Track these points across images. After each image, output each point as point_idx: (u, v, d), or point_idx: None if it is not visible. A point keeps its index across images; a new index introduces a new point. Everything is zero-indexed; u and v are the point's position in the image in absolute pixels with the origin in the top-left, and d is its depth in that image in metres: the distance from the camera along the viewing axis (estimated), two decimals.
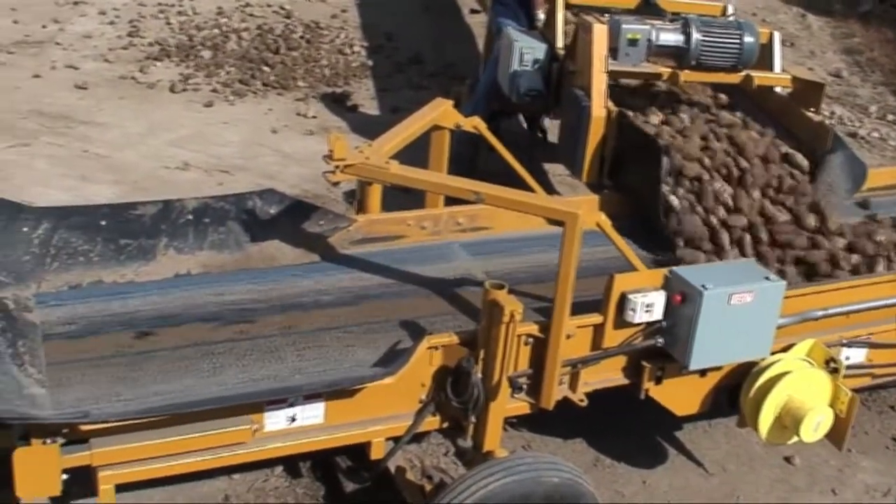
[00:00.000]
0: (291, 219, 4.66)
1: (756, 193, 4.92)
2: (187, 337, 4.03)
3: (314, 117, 8.36)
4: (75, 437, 3.42)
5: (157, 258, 4.43)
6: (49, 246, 4.28)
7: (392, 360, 3.89)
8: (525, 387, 4.00)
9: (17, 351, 3.76)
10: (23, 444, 3.36)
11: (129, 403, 3.59)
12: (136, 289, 4.31)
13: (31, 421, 3.33)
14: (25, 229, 4.28)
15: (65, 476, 3.45)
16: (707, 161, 5.01)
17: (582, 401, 4.12)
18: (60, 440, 3.39)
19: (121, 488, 3.61)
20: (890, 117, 9.82)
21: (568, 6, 6.28)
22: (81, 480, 3.59)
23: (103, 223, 4.38)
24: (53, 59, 9.19)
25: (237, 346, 3.99)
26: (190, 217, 4.50)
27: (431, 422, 3.99)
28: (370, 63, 9.79)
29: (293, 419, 3.70)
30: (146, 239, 4.43)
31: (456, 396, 3.86)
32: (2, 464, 3.50)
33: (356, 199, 4.97)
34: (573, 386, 4.12)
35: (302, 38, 10.22)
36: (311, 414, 3.73)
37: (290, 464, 4.50)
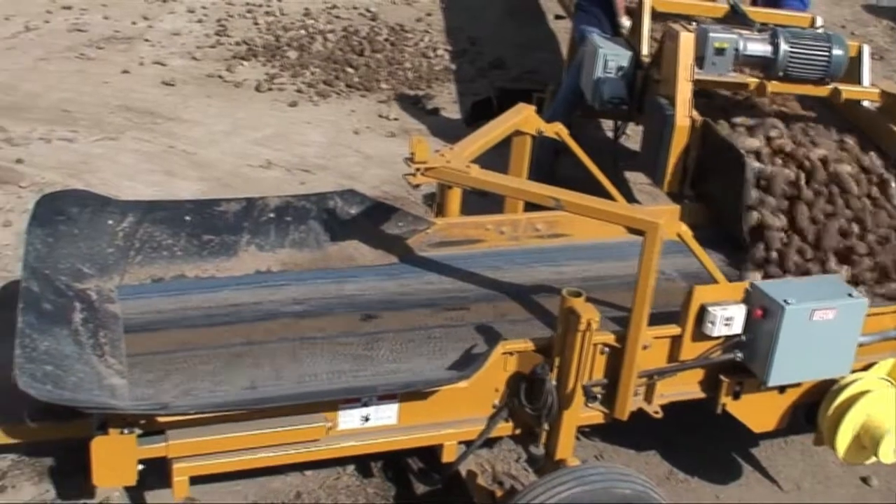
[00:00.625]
0: (371, 220, 4.69)
1: (847, 212, 4.82)
2: (268, 333, 4.07)
3: (396, 119, 8.40)
4: (152, 429, 3.48)
5: (238, 254, 4.50)
6: (133, 239, 4.37)
7: (467, 363, 3.90)
8: (599, 396, 3.98)
9: (99, 342, 3.84)
10: (101, 434, 3.43)
11: (206, 397, 3.64)
12: (218, 284, 4.38)
13: (110, 411, 3.40)
14: (111, 222, 4.37)
15: (140, 466, 3.52)
16: (794, 175, 4.92)
17: (657, 413, 4.08)
18: (137, 431, 3.45)
19: (195, 481, 3.66)
20: None
21: (654, 14, 6.23)
22: (156, 471, 3.66)
23: (187, 218, 4.46)
24: (142, 55, 9.38)
25: (314, 343, 4.03)
26: (272, 215, 4.56)
27: (504, 427, 3.98)
28: (453, 67, 9.81)
29: (367, 419, 3.72)
30: (228, 235, 4.50)
31: (529, 403, 3.85)
32: (79, 452, 3.58)
33: (435, 201, 5.00)
34: (648, 397, 4.08)
35: (386, 40, 10.29)
36: (385, 414, 3.75)
37: (362, 463, 4.52)
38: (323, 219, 4.63)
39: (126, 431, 3.43)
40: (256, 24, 10.51)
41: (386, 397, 3.72)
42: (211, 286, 4.36)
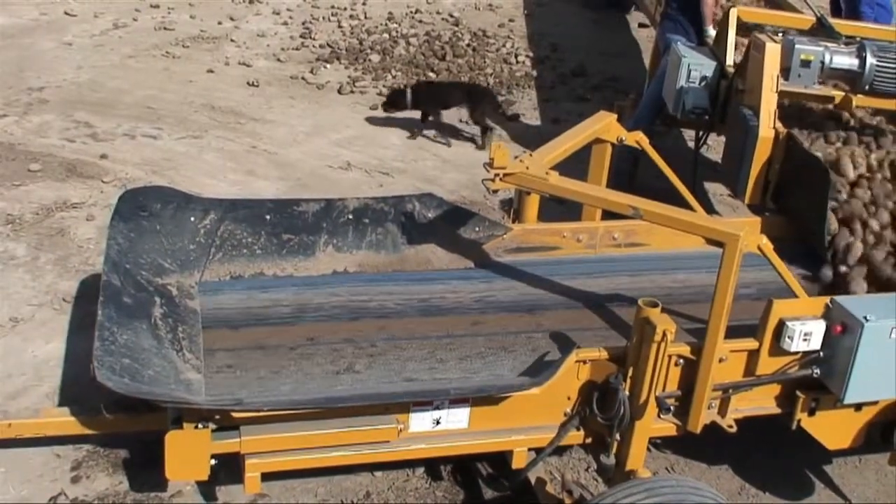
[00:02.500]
0: (448, 224, 4.71)
1: None
2: (342, 334, 4.12)
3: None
4: (226, 424, 3.53)
5: (316, 255, 4.55)
6: (214, 236, 4.44)
7: (540, 370, 3.89)
8: (673, 408, 3.93)
9: (177, 336, 3.92)
10: (175, 428, 3.49)
11: (280, 394, 3.69)
12: (296, 283, 4.44)
13: (186, 405, 3.45)
14: (193, 219, 4.45)
15: (213, 461, 3.56)
16: (880, 192, 4.83)
17: (731, 427, 4.03)
18: (212, 426, 3.50)
19: (265, 477, 3.70)
20: None
21: (741, 24, 6.16)
22: (229, 467, 3.71)
23: (267, 217, 4.52)
24: (227, 55, 9.55)
25: (388, 345, 4.06)
26: (350, 216, 4.61)
27: (575, 436, 3.97)
28: (534, 73, 9.80)
29: (438, 422, 3.74)
30: (307, 235, 4.55)
31: (602, 412, 3.83)
32: (154, 445, 3.64)
33: (513, 207, 5.00)
34: (722, 411, 4.04)
35: (468, 45, 10.32)
36: (456, 418, 3.76)
37: (432, 466, 4.54)
38: (400, 221, 4.66)
39: (200, 426, 3.48)
40: (340, 27, 10.63)
41: (458, 401, 3.73)
42: (289, 285, 4.42)
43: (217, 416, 3.50)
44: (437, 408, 3.71)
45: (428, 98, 8.12)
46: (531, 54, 10.31)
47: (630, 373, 3.81)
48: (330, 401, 3.62)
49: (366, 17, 10.97)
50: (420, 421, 3.72)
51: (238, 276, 4.43)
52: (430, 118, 8.13)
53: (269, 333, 4.07)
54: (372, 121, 8.33)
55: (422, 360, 3.98)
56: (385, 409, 3.64)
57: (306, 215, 4.57)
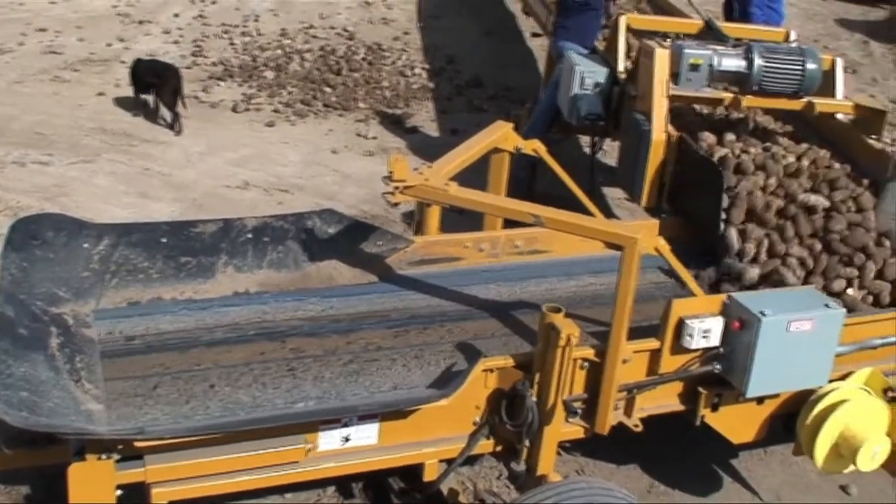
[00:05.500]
0: (350, 239, 4.68)
1: (819, 222, 4.85)
2: (244, 355, 4.05)
3: (374, 138, 8.42)
4: (130, 453, 3.44)
5: (216, 276, 4.47)
6: (109, 262, 4.34)
7: (447, 381, 3.88)
8: (580, 411, 3.97)
9: (75, 367, 3.81)
10: (78, 460, 3.39)
11: (184, 420, 3.61)
12: (195, 306, 4.35)
13: (88, 436, 3.36)
14: (86, 245, 4.34)
15: (119, 492, 3.47)
16: (769, 189, 4.95)
17: (637, 426, 4.08)
18: (115, 456, 3.41)
19: None
20: None
21: (630, 30, 6.26)
22: (135, 497, 3.62)
23: (163, 240, 4.43)
24: (118, 77, 9.36)
25: (293, 365, 4.01)
26: (249, 236, 4.54)
27: (485, 445, 3.97)
28: (431, 85, 9.84)
29: (347, 439, 3.71)
30: (206, 257, 4.47)
31: (511, 419, 3.84)
32: (56, 479, 3.54)
33: (415, 220, 4.99)
34: (628, 411, 4.08)
35: (364, 59, 10.31)
36: (365, 434, 3.73)
37: (343, 484, 4.50)
38: (301, 239, 4.61)
39: (104, 457, 3.39)
40: (233, 44, 10.52)
41: (366, 417, 3.70)
42: (189, 308, 4.33)
43: (120, 446, 3.41)
44: (346, 425, 3.68)
45: (137, 76, 8.44)
46: (427, 66, 10.34)
47: (537, 379, 3.83)
48: (235, 424, 3.56)
49: (258, 34, 10.88)
50: (329, 439, 3.68)
51: (135, 302, 4.33)
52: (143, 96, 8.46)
53: (170, 359, 3.99)
54: (268, 138, 8.26)
55: (328, 378, 3.94)
56: (293, 430, 3.59)
57: (203, 237, 4.49)
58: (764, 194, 4.94)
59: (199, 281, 4.45)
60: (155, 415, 3.64)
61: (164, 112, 8.33)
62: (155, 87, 8.32)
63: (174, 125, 8.21)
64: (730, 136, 5.38)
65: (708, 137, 5.36)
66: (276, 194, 7.26)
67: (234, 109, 8.85)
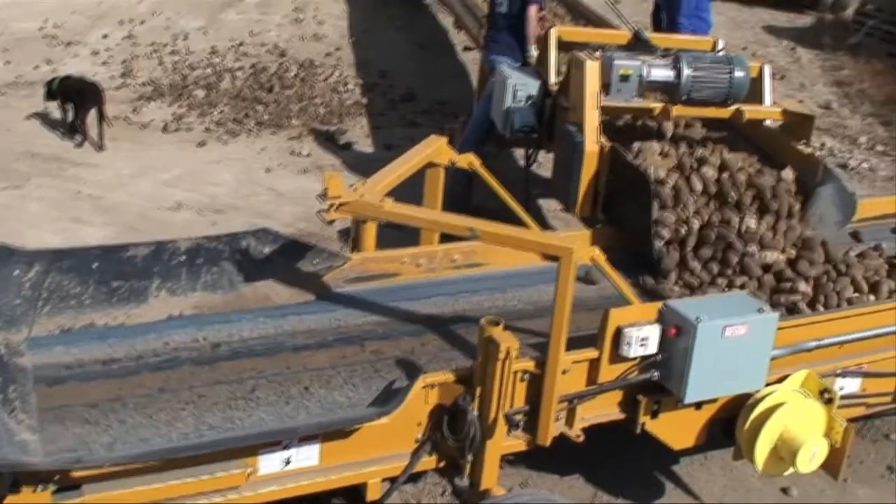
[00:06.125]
0: (285, 258, 4.64)
1: (751, 222, 4.93)
2: (180, 380, 3.99)
3: (308, 155, 8.38)
4: (67, 484, 3.37)
5: (149, 300, 4.40)
6: (41, 289, 4.25)
7: (388, 399, 3.86)
8: (522, 424, 3.98)
9: (8, 396, 3.73)
10: (13, 493, 3.31)
11: (122, 448, 3.55)
12: (128, 332, 4.28)
13: (22, 468, 3.29)
14: (17, 272, 4.25)
15: None
16: (700, 194, 5.02)
17: (579, 436, 4.09)
18: (52, 487, 3.34)
19: None
20: (879, 148, 9.85)
21: (561, 43, 6.31)
22: None
23: (95, 265, 4.35)
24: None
25: (230, 388, 3.95)
26: (183, 258, 4.48)
27: (428, 461, 3.96)
28: (364, 101, 9.82)
29: (288, 462, 3.67)
30: (138, 281, 4.40)
31: (453, 435, 3.83)
32: None
33: (351, 237, 4.97)
34: (570, 422, 4.10)
35: (296, 76, 10.27)
36: (306, 456, 3.70)
37: None
38: (236, 259, 4.56)
39: (40, 488, 3.32)
40: (162, 63, 10.41)
41: (307, 438, 3.67)
42: (122, 334, 4.26)
43: (57, 477, 3.35)
44: (286, 447, 3.65)
45: (57, 94, 8.36)
46: (361, 82, 10.33)
47: (478, 393, 3.83)
48: (173, 451, 3.50)
49: (188, 53, 10.78)
50: (269, 462, 3.64)
51: (68, 328, 4.25)
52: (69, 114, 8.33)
53: (105, 386, 3.91)
54: (201, 158, 8.18)
55: (269, 401, 3.89)
56: (232, 454, 3.54)
57: (136, 260, 4.42)
58: (693, 202, 5.01)
59: (132, 305, 4.38)
60: (91, 443, 3.57)
61: (89, 129, 8.19)
62: (75, 104, 8.18)
63: (87, 142, 8.11)
64: (660, 145, 5.43)
65: (640, 146, 5.40)
66: (210, 215, 7.19)
67: (164, 129, 8.75)
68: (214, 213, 7.20)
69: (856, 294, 4.87)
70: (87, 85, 8.36)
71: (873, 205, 5.92)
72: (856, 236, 5.59)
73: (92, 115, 8.21)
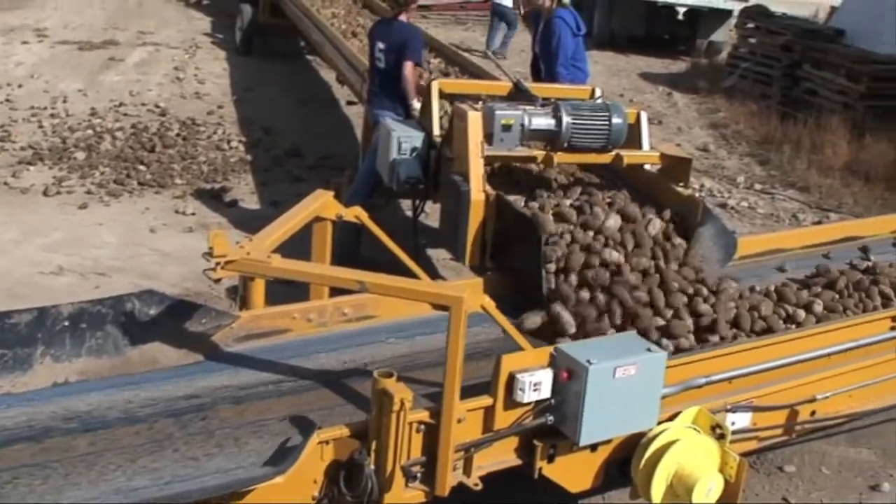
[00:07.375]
0: (172, 319, 4.55)
1: (643, 261, 5.03)
2: (66, 449, 3.86)
3: (193, 214, 8.28)
4: None
5: (33, 367, 4.27)
6: None
7: (282, 458, 3.80)
8: (419, 475, 3.95)
9: None
10: None
11: None
12: (13, 401, 4.14)
13: None
14: None
15: None
16: (583, 239, 5.11)
17: (477, 485, 4.08)
18: None
19: None
20: (757, 186, 10.20)
21: (442, 95, 6.39)
22: None
23: None
24: None
25: (119, 455, 3.85)
26: (66, 323, 4.36)
27: None
28: (248, 157, 9.77)
29: None
30: (21, 348, 4.27)
31: (349, 491, 3.79)
32: None
33: (239, 294, 4.91)
34: (467, 470, 4.08)
35: (178, 135, 10.18)
36: None
37: None
38: (121, 322, 4.46)
39: None
40: (41, 126, 10.23)
41: (200, 503, 3.58)
42: (6, 404, 4.12)
43: None
44: None
45: None
46: (244, 139, 10.29)
47: (374, 446, 3.80)
48: None
49: (67, 115, 10.61)
50: None
51: None
52: None
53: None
54: (82, 221, 8.03)
55: (157, 466, 3.80)
56: None
57: (18, 327, 4.29)
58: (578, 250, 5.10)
59: (17, 374, 4.24)
60: None
61: None
62: None
63: None
64: (543, 192, 5.52)
65: (525, 195, 5.49)
66: (93, 278, 7.04)
67: (45, 193, 8.57)
68: (98, 276, 7.05)
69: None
70: None
71: (754, 242, 6.11)
72: (865, 251, 6.09)
73: None
